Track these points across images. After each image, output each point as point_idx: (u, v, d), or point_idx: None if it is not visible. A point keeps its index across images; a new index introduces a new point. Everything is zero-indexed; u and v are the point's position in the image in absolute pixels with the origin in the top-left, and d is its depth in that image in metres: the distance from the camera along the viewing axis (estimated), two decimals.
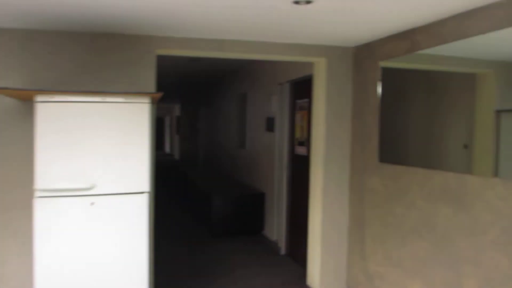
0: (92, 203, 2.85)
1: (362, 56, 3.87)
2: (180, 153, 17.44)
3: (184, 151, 15.96)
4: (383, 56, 3.56)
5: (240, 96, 7.44)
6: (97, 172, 2.85)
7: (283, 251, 5.38)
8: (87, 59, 3.42)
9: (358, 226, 3.88)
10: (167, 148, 26.24)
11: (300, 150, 4.92)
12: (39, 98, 2.72)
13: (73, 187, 2.79)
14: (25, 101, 3.27)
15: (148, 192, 2.95)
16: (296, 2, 2.56)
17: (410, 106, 3.46)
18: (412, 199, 3.17)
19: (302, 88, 4.89)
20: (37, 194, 2.73)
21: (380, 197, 3.56)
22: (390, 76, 3.57)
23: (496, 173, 2.48)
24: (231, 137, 8.11)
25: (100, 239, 2.87)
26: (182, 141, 16.74)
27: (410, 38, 3.21)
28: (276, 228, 5.60)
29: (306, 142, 4.76)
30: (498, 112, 2.45)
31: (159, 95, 3.06)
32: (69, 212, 2.81)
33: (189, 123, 14.12)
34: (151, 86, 3.59)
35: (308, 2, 2.55)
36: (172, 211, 8.02)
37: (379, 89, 3.59)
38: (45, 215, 2.76)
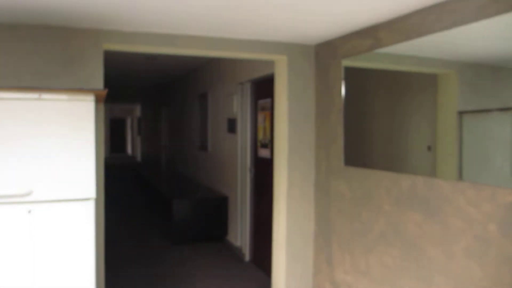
0: (29, 211, 2.55)
1: (324, 54, 3.69)
2: (142, 156, 16.94)
3: (146, 153, 15.51)
4: (345, 54, 3.39)
5: (201, 96, 7.17)
6: (35, 176, 2.56)
7: (247, 257, 5.16)
8: (25, 53, 3.07)
9: (324, 232, 3.71)
10: (129, 150, 25.55)
11: (264, 153, 4.72)
12: None
13: (6, 193, 2.49)
14: None
15: (95, 199, 2.68)
16: None
17: (374, 107, 3.33)
18: (379, 204, 3.01)
19: (264, 88, 4.68)
20: None
21: (346, 201, 3.39)
22: (353, 76, 3.42)
23: (460, 176, 2.41)
24: (193, 139, 7.83)
25: (39, 252, 2.58)
26: (144, 143, 16.26)
27: (372, 35, 3.05)
28: (240, 234, 5.37)
29: (269, 144, 4.56)
30: (460, 114, 2.40)
31: (104, 92, 2.78)
32: (2, 222, 2.50)
33: (151, 124, 13.69)
34: (98, 83, 3.28)
35: None
36: (131, 217, 7.66)
37: (343, 89, 3.42)
38: None
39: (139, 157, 18.70)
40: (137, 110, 19.78)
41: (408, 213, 2.75)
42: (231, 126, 5.60)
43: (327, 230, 3.66)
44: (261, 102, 4.77)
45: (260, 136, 4.79)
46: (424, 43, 2.61)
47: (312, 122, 3.84)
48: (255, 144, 4.96)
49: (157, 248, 5.66)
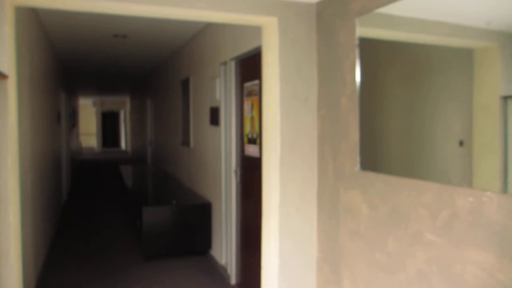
0: None
1: (330, 13, 2.65)
2: (132, 150, 15.93)
3: (135, 148, 14.48)
4: (361, 9, 2.35)
5: (183, 83, 6.13)
6: None
7: (233, 279, 4.15)
8: None
9: (331, 262, 2.69)
10: (123, 145, 24.53)
11: (251, 150, 3.69)
12: None
13: None
14: None
15: None
16: None
17: (389, 92, 2.33)
18: (418, 230, 1.98)
19: (251, 66, 3.64)
20: None
21: (364, 221, 2.37)
22: (364, 52, 2.40)
23: (505, 178, 1.66)
24: (175, 133, 6.80)
25: None
26: (132, 137, 15.24)
27: None
28: (226, 249, 4.36)
29: (258, 139, 3.53)
30: (505, 99, 1.79)
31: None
32: None
33: (138, 117, 12.66)
34: (8, 53, 2.25)
35: None
36: (103, 224, 6.64)
37: (357, 61, 2.39)
38: None
39: (130, 152, 17.69)
40: (128, 103, 18.75)
41: (467, 248, 1.73)
42: (214, 117, 4.56)
43: (335, 258, 2.63)
44: (248, 85, 3.73)
45: (247, 129, 3.76)
46: (459, 4, 1.94)
47: (313, 109, 2.81)
48: (242, 139, 3.93)
49: (125, 264, 4.64)
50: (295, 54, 2.78)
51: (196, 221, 4.76)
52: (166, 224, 4.65)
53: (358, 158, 2.40)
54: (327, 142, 2.71)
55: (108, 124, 25.62)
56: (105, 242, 5.57)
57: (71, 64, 8.23)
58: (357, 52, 2.40)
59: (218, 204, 4.54)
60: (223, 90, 4.26)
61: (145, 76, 10.34)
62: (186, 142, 5.96)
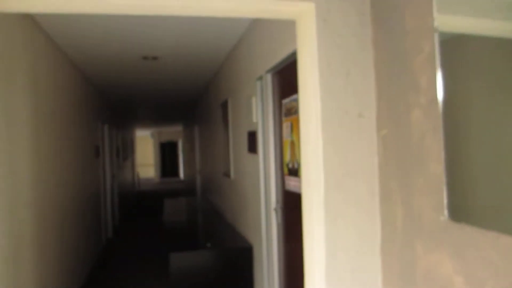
0: None
1: None
2: (186, 180, 15.56)
3: (188, 177, 14.07)
4: None
5: (222, 106, 5.47)
6: None
7: None
8: None
9: None
10: (182, 175, 24.42)
11: (292, 184, 2.87)
12: None
13: None
14: None
15: None
16: None
17: (485, 106, 1.44)
18: None
19: (289, 78, 2.87)
20: None
21: None
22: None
23: None
24: (218, 162, 6.13)
25: None
26: (186, 166, 14.87)
27: None
28: None
29: (300, 169, 2.72)
30: None
31: None
32: None
33: (189, 145, 12.24)
34: None
35: None
36: (143, 264, 6.02)
37: (437, 54, 1.54)
38: None
39: (186, 182, 17.38)
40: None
41: None
42: (252, 143, 3.82)
43: None
44: (286, 102, 2.95)
45: (287, 157, 2.95)
46: None
47: (371, 128, 1.97)
48: (282, 170, 3.13)
49: None
50: (342, 52, 1.97)
51: (234, 268, 3.96)
52: (198, 272, 3.89)
53: (445, 201, 1.52)
54: (393, 176, 1.85)
55: (167, 154, 25.74)
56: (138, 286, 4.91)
57: (112, 96, 7.91)
58: (436, 40, 1.55)
59: (259, 248, 3.73)
60: (259, 110, 3.51)
61: (192, 104, 9.89)
62: (226, 173, 5.25)
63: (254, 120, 3.67)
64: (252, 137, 3.79)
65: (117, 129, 9.87)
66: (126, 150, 12.37)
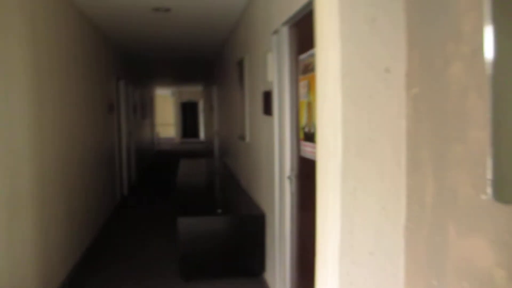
0: None
1: None
2: (206, 141, 15.44)
3: (208, 138, 13.93)
4: None
5: (239, 64, 5.16)
6: None
7: None
8: None
9: None
10: (202, 136, 24.35)
11: (308, 150, 2.60)
12: None
13: None
14: None
15: None
16: None
17: None
18: None
19: (307, 31, 2.54)
20: None
21: None
22: None
23: None
24: (234, 124, 5.88)
25: None
26: (206, 127, 14.71)
27: None
28: (279, 273, 3.33)
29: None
30: None
31: None
32: None
33: (208, 106, 12.02)
34: None
35: None
36: (155, 226, 5.92)
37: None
38: None
39: (205, 143, 17.28)
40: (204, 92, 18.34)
41: None
42: (267, 104, 3.53)
43: None
44: (303, 58, 2.63)
45: (303, 120, 2.67)
46: None
47: (399, 85, 1.67)
48: (297, 134, 2.86)
49: (159, 284, 3.81)
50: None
51: (245, 236, 3.78)
52: (208, 238, 3.72)
53: (488, 177, 1.23)
54: (424, 143, 1.55)
55: (189, 114, 25.60)
56: (148, 250, 4.81)
57: (128, 52, 7.65)
58: None
59: (271, 217, 3.51)
60: (275, 68, 3.21)
61: (211, 62, 9.57)
62: (242, 135, 5.00)
63: (270, 79, 3.37)
64: (267, 97, 3.50)
65: (135, 86, 9.67)
66: (144, 108, 12.22)
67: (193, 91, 22.96)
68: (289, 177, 2.97)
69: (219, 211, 3.88)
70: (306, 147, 2.62)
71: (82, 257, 4.42)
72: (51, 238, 3.48)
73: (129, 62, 8.67)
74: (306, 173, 2.72)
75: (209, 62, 9.60)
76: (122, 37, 6.22)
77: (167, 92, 22.55)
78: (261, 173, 3.93)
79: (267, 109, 3.50)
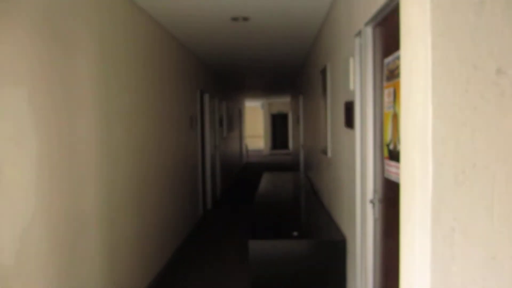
0: None
1: None
2: (293, 154, 15.13)
3: (295, 150, 13.61)
4: None
5: (322, 72, 4.79)
6: None
7: None
8: None
9: None
10: (291, 147, 24.11)
11: (394, 171, 2.16)
12: None
13: None
14: None
15: None
16: None
17: None
18: None
19: (393, 31, 2.12)
20: None
21: None
22: None
23: None
24: (317, 136, 5.51)
25: None
26: (294, 139, 14.41)
27: None
28: None
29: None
30: None
31: None
32: None
33: (295, 116, 11.72)
34: None
35: None
36: (235, 240, 5.71)
37: None
38: None
39: (293, 155, 16.99)
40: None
41: None
42: (348, 115, 3.13)
43: None
44: (389, 61, 2.21)
45: (387, 135, 2.24)
46: None
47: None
48: (381, 151, 2.42)
49: None
50: None
51: (323, 262, 3.38)
52: (282, 263, 3.38)
53: None
54: None
55: (279, 126, 25.54)
56: (222, 272, 4.59)
57: (213, 65, 7.64)
58: None
59: (353, 242, 3.08)
60: (358, 75, 2.81)
61: (296, 72, 9.28)
62: (324, 149, 4.62)
63: (351, 87, 2.97)
64: (349, 108, 3.11)
65: (220, 99, 9.70)
66: (232, 121, 12.28)
67: (283, 102, 22.87)
68: (372, 201, 2.54)
69: (295, 233, 3.53)
70: (391, 167, 2.19)
71: (156, 277, 4.32)
72: (120, 259, 3.38)
73: (214, 76, 8.70)
74: (391, 197, 2.28)
75: (295, 72, 9.33)
76: (204, 50, 6.18)
77: (257, 103, 22.72)
78: (342, 192, 3.52)
79: (349, 121, 3.10)
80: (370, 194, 2.57)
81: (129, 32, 3.65)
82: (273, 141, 24.19)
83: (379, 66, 2.46)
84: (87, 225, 2.82)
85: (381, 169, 2.43)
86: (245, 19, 4.45)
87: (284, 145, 25.84)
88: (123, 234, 3.47)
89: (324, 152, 4.57)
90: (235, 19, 4.44)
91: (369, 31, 2.56)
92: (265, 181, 6.68)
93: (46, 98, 2.33)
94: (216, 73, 8.89)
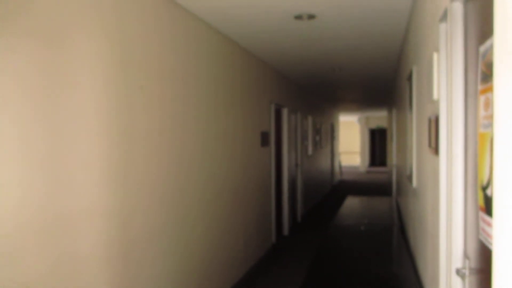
0: None
1: None
2: (390, 171, 13.75)
3: (390, 170, 12.30)
4: None
5: (408, 79, 3.85)
6: None
7: None
8: None
9: None
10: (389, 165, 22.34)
11: (492, 232, 1.25)
12: None
13: None
14: None
15: None
16: None
17: None
18: None
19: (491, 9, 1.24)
20: None
21: None
22: None
23: None
24: (405, 158, 4.52)
25: None
26: (389, 157, 13.08)
27: None
28: None
29: None
30: None
31: None
32: None
33: (390, 132, 10.54)
34: None
35: None
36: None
37: None
38: None
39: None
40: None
41: None
42: (432, 134, 2.22)
43: None
44: (486, 50, 1.32)
45: (484, 170, 1.33)
46: None
47: None
48: (475, 198, 1.51)
49: None
50: None
51: None
52: None
53: None
54: None
55: (377, 142, 23.90)
56: None
57: (292, 77, 6.94)
58: None
59: None
60: (443, 76, 1.92)
61: (388, 82, 8.21)
62: (409, 176, 3.65)
63: (435, 96, 2.07)
64: (432, 125, 2.20)
65: (305, 114, 8.97)
66: (320, 137, 11.44)
67: (382, 117, 21.35)
68: (460, 272, 1.62)
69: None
70: (488, 225, 1.28)
71: None
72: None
73: (295, 89, 8.00)
74: (489, 269, 1.36)
75: (389, 82, 8.25)
76: (275, 59, 5.51)
77: (352, 118, 21.52)
78: (426, 239, 2.57)
79: (432, 143, 2.19)
80: (458, 261, 1.65)
81: (193, 45, 3.26)
82: (371, 158, 22.66)
83: (473, 60, 1.56)
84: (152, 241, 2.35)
85: (475, 225, 1.51)
86: (311, 17, 3.70)
87: (383, 162, 24.10)
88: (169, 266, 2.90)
89: (409, 179, 3.61)
90: (298, 17, 3.72)
91: (458, 9, 1.68)
92: (347, 208, 5.76)
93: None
94: (298, 86, 8.19)
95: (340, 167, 17.28)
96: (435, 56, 2.05)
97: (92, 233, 2.23)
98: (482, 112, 1.34)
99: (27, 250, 1.84)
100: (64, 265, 2.03)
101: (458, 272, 1.63)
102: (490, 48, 1.26)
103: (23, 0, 1.83)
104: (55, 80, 1.98)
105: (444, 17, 1.87)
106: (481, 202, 1.36)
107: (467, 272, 1.58)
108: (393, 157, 8.11)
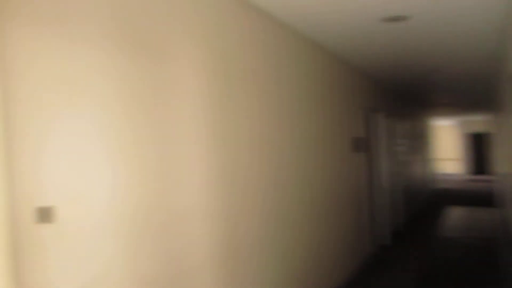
0: None
1: None
2: (494, 181, 12.72)
3: (495, 178, 11.40)
4: None
5: (510, 80, 3.62)
6: None
7: None
8: None
9: None
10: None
11: None
12: None
13: None
14: None
15: None
16: None
17: None
18: None
19: None
20: None
21: None
22: None
23: None
24: (510, 164, 4.22)
25: None
26: (494, 164, 12.11)
27: None
28: None
29: None
30: None
31: None
32: None
33: (495, 137, 9.79)
34: None
35: None
36: None
37: None
38: None
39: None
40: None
41: None
42: None
43: None
44: None
45: None
46: None
47: None
48: None
49: None
50: None
51: None
52: None
53: None
54: None
55: (481, 148, 22.19)
56: None
57: (384, 80, 6.81)
58: None
59: None
60: None
61: (492, 83, 7.67)
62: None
63: None
64: None
65: (400, 118, 8.69)
66: (415, 142, 10.97)
67: (484, 121, 19.85)
68: None
69: None
70: None
71: None
72: None
73: (389, 93, 7.81)
74: None
75: (489, 84, 7.73)
76: (369, 66, 5.47)
77: (450, 122, 20.29)
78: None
79: None
80: None
81: (283, 53, 3.44)
82: (472, 165, 21.10)
83: None
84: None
85: None
86: (401, 18, 3.66)
87: (483, 170, 22.31)
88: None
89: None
90: (388, 19, 3.70)
91: None
92: (452, 218, 5.49)
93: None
94: (391, 91, 7.99)
95: (437, 174, 16.38)
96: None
97: (204, 233, 2.43)
98: None
99: (145, 245, 2.05)
100: (174, 261, 2.22)
101: None
102: None
103: (139, 20, 2.06)
104: (162, 90, 2.18)
105: None
106: None
107: None
108: (498, 164, 7.55)
